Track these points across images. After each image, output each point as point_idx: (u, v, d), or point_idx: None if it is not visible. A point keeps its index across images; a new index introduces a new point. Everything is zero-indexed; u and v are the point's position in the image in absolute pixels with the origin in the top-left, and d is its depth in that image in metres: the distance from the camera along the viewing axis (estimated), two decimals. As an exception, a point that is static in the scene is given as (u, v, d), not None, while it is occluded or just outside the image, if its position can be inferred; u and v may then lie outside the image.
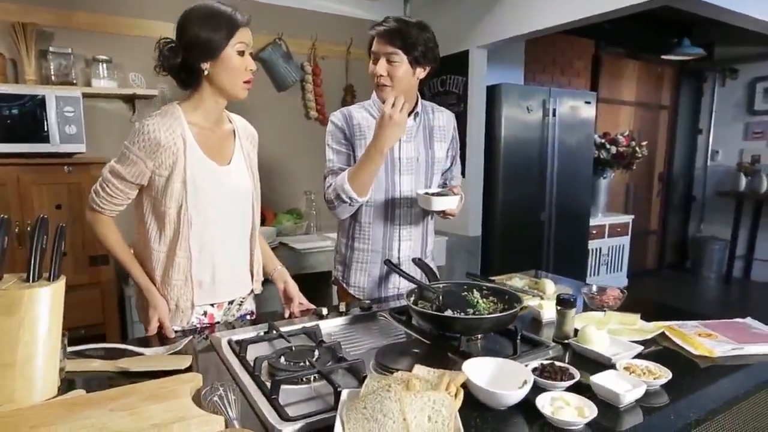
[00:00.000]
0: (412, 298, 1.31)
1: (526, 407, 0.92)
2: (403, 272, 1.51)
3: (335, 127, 1.62)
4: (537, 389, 0.96)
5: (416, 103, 1.64)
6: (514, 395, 0.91)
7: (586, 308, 1.52)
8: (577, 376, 1.00)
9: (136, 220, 1.38)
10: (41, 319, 0.90)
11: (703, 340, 1.23)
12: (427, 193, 1.56)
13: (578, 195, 3.98)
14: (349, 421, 0.81)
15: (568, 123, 3.79)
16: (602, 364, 1.10)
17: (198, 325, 1.39)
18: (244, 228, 1.45)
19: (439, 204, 1.53)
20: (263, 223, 2.25)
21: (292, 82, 3.20)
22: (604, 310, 1.45)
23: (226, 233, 1.39)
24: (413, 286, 1.39)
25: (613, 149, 4.40)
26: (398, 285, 1.69)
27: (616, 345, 1.18)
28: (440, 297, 1.28)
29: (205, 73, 1.27)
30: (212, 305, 1.41)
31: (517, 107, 3.50)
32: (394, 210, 1.64)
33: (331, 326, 1.38)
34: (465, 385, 0.93)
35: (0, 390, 0.86)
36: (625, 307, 1.46)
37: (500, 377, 0.99)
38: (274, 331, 1.25)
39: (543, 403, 0.91)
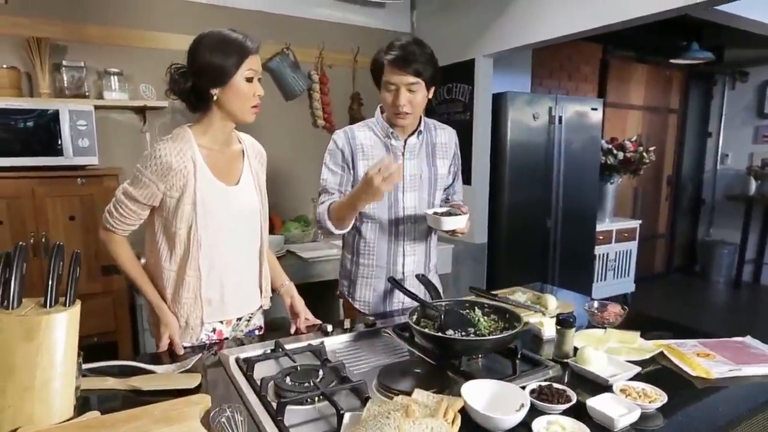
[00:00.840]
0: (415, 317, 1.34)
1: (523, 431, 0.94)
2: (406, 290, 1.54)
3: (336, 147, 1.65)
4: (535, 411, 0.99)
5: (420, 122, 1.67)
6: (510, 420, 0.94)
7: (590, 322, 1.54)
8: (574, 399, 1.03)
9: (148, 239, 1.43)
10: (58, 343, 0.95)
11: (701, 360, 1.25)
12: (435, 213, 1.57)
13: (585, 201, 3.99)
14: (351, 446, 0.84)
15: (575, 130, 3.80)
16: (600, 384, 1.13)
17: (207, 342, 1.43)
18: (253, 245, 1.50)
19: (449, 224, 1.54)
20: (271, 231, 2.29)
21: (300, 91, 3.24)
22: (605, 327, 1.47)
23: (235, 252, 1.43)
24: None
25: (620, 155, 4.39)
26: (403, 299, 1.73)
27: (614, 365, 1.20)
28: (442, 316, 1.31)
29: (214, 98, 1.31)
30: (221, 322, 1.45)
31: (523, 115, 3.52)
32: (398, 226, 1.68)
33: (336, 343, 1.41)
34: (464, 408, 0.96)
35: (20, 412, 0.91)
36: (627, 321, 1.49)
37: (498, 400, 1.02)
38: (280, 350, 1.29)
39: (539, 427, 0.94)
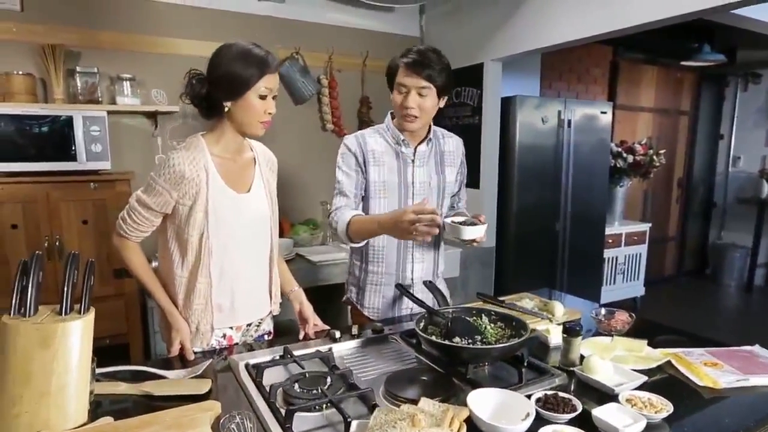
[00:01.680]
0: (422, 324, 1.35)
1: (528, 441, 0.95)
2: (414, 297, 1.55)
3: (348, 151, 1.66)
4: (540, 420, 1.00)
5: (429, 130, 1.68)
6: (515, 429, 0.95)
7: (597, 330, 1.54)
8: (579, 408, 1.04)
9: (161, 245, 1.46)
10: (73, 350, 0.97)
11: (709, 369, 1.25)
12: (453, 222, 1.54)
13: (594, 204, 3.97)
14: (358, 455, 0.86)
15: (584, 133, 3.79)
16: (606, 394, 1.13)
17: (217, 347, 1.45)
18: (263, 252, 1.52)
19: (469, 233, 1.52)
20: (280, 234, 2.31)
21: (309, 95, 3.26)
22: (612, 335, 1.47)
23: (246, 259, 1.45)
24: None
25: (630, 158, 4.37)
26: (411, 305, 1.74)
27: (620, 374, 1.20)
28: (449, 323, 1.32)
29: (226, 110, 1.34)
30: (231, 328, 1.48)
31: (532, 118, 3.52)
32: (408, 233, 1.68)
33: (344, 349, 1.43)
34: (470, 418, 0.97)
35: (36, 417, 0.93)
36: (634, 329, 1.49)
37: (504, 409, 1.03)
38: (289, 356, 1.31)
39: (544, 437, 0.95)
